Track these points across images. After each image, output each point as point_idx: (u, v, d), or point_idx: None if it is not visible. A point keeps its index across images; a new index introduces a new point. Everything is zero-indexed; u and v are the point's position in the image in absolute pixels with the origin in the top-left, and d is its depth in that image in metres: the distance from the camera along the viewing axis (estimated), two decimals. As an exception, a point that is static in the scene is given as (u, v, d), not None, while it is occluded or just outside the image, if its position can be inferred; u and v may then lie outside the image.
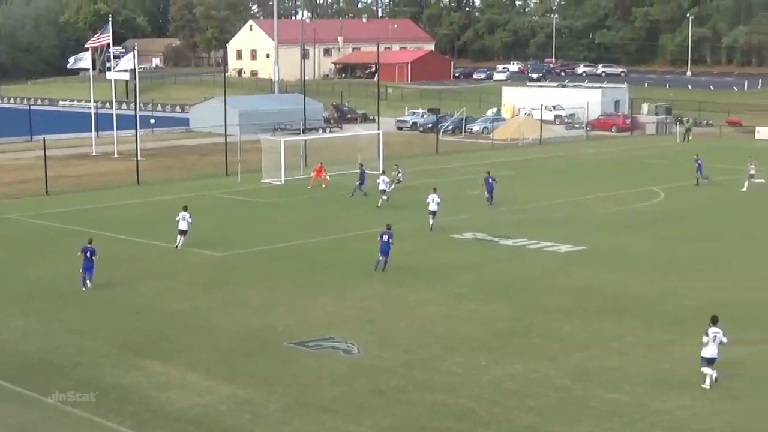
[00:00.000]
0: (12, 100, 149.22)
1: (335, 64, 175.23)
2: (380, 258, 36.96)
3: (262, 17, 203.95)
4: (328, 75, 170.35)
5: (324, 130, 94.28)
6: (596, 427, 22.25)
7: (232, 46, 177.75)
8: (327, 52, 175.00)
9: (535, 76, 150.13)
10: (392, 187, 54.31)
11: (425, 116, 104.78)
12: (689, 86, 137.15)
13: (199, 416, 22.86)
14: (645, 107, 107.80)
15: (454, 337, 28.94)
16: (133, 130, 69.67)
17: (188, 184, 62.25)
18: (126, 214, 51.37)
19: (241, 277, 36.94)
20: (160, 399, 24.02)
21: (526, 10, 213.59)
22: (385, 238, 36.83)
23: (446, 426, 22.38)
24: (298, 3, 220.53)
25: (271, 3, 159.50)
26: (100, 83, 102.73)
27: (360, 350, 27.69)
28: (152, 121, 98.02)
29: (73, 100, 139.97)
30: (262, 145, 66.29)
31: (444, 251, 41.13)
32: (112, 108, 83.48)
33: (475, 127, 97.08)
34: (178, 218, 41.36)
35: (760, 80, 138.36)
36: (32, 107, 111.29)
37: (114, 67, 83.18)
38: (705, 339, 24.74)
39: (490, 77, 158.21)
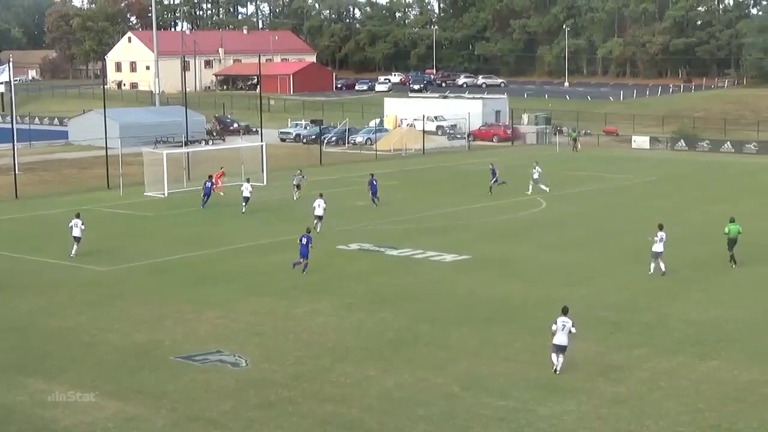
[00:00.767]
0: None
1: (216, 75, 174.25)
2: (300, 260, 38.00)
3: (141, 29, 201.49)
4: (209, 87, 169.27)
5: (207, 143, 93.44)
6: (485, 433, 22.56)
7: (111, 58, 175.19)
8: (208, 63, 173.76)
9: (416, 87, 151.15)
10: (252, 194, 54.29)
11: (308, 128, 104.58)
12: (567, 96, 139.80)
13: (85, 434, 22.47)
14: (525, 117, 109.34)
15: (342, 348, 29.01)
16: (10, 144, 68.19)
17: (70, 198, 61.03)
18: (5, 229, 50.25)
19: (126, 291, 36.39)
20: (44, 417, 23.54)
21: (407, 21, 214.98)
22: (304, 241, 38.05)
23: (337, 436, 22.44)
24: (177, 14, 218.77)
25: (149, 14, 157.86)
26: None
27: (248, 363, 27.55)
28: None
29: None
30: (144, 158, 65.42)
31: (331, 262, 41.14)
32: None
33: (359, 139, 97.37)
34: (70, 225, 41.07)
35: (634, 90, 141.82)
36: None
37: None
38: (554, 327, 26.41)
39: (372, 88, 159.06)
